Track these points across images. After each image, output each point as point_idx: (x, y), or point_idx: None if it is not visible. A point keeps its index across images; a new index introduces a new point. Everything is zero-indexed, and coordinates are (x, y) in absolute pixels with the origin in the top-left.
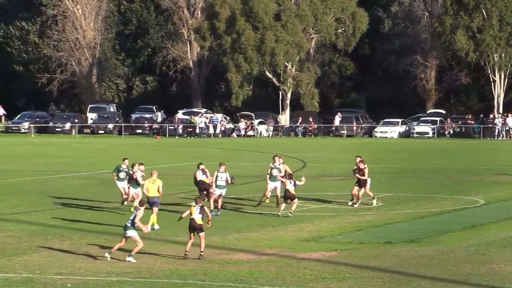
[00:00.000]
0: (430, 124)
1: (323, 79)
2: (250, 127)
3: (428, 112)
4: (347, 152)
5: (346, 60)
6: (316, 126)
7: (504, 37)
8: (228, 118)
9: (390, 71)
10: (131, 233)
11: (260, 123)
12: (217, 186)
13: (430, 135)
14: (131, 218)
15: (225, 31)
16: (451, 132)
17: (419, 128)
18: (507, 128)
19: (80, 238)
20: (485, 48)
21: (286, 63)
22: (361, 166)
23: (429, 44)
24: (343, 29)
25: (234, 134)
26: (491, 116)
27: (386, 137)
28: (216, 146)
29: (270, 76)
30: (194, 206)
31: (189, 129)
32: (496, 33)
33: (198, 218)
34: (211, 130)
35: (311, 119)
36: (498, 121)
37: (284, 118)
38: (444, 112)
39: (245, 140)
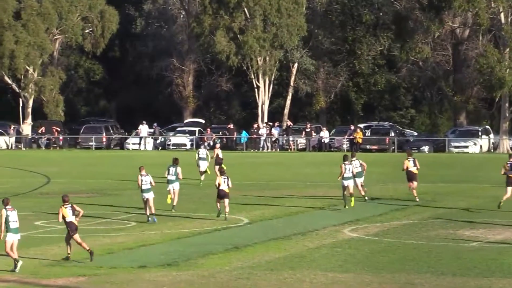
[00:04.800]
0: (188, 134)
1: (68, 85)
2: None
3: (185, 121)
4: (95, 166)
5: (94, 63)
6: (61, 137)
7: (268, 38)
8: None
9: (144, 75)
10: None
11: None
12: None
13: (188, 146)
14: None
15: None
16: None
17: (175, 139)
18: (273, 139)
19: None
20: (247, 50)
21: (27, 66)
22: None
23: (186, 46)
24: (91, 29)
25: None
26: (255, 126)
27: (140, 149)
28: None
29: (10, 81)
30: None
31: None
32: (260, 34)
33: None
34: None
35: (55, 129)
36: (263, 131)
37: (26, 129)
38: (203, 121)
39: None
